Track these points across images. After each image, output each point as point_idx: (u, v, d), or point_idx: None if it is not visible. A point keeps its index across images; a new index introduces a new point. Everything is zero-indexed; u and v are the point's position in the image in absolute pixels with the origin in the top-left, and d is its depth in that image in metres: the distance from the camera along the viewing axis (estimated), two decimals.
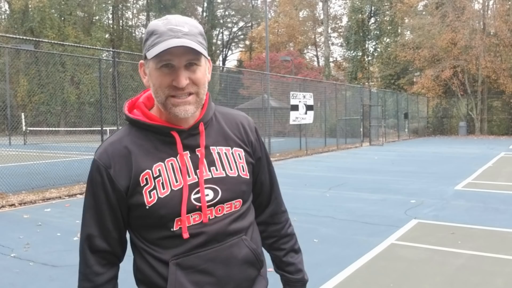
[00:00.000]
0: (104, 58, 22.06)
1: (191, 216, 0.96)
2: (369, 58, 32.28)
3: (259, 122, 13.88)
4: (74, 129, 23.29)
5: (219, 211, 0.99)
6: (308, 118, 14.49)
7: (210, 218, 0.98)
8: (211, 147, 1.01)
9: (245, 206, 1.05)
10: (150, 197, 0.96)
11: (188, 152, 0.99)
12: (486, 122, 25.88)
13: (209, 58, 1.01)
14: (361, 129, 19.07)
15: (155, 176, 0.96)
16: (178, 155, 0.98)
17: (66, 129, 24.08)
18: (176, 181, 0.96)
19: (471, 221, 5.03)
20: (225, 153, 1.03)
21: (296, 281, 1.18)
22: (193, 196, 0.96)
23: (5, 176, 7.29)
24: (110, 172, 0.97)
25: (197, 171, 0.98)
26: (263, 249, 1.16)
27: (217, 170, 1.00)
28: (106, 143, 1.02)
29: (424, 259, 3.74)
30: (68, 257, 3.90)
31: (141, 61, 1.02)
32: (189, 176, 0.97)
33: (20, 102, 25.44)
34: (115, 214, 1.00)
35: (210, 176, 0.99)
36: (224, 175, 1.00)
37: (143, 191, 0.96)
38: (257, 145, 1.10)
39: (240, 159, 1.05)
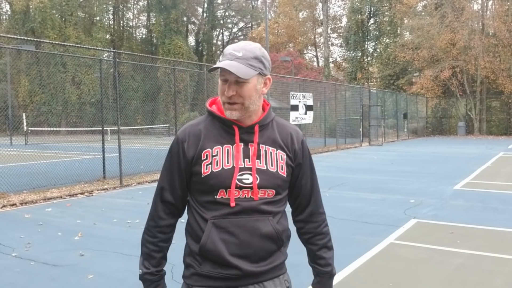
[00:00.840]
0: (105, 58, 22.08)
1: (233, 191, 1.24)
2: (369, 59, 32.30)
3: None
4: (75, 129, 23.31)
5: (255, 193, 1.26)
6: (308, 118, 14.51)
7: (245, 196, 1.25)
8: (261, 145, 1.28)
9: (278, 197, 1.30)
10: (206, 169, 1.25)
11: (242, 144, 1.27)
12: (485, 122, 25.92)
13: (269, 76, 1.29)
14: (361, 129, 19.09)
15: (213, 154, 1.26)
16: (235, 144, 1.27)
17: (67, 129, 24.11)
18: (227, 163, 1.25)
19: (470, 221, 5.05)
20: (271, 152, 1.29)
21: (324, 273, 1.40)
22: (237, 177, 1.24)
23: (6, 176, 7.32)
24: (184, 145, 1.29)
25: (245, 159, 1.26)
26: (292, 238, 1.41)
27: (260, 163, 1.27)
28: (188, 124, 1.34)
29: (423, 258, 3.77)
30: (69, 256, 3.92)
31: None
32: (239, 161, 1.25)
33: (21, 102, 25.44)
34: (182, 176, 1.30)
35: (256, 166, 1.26)
36: (265, 168, 1.27)
37: (202, 164, 1.26)
38: (299, 153, 1.35)
39: (282, 160, 1.30)
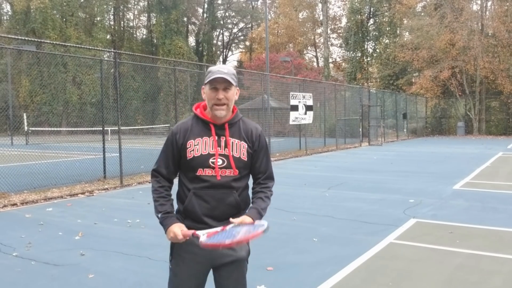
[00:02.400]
0: (106, 59, 22.10)
1: (209, 171, 1.78)
2: (368, 59, 32.31)
3: (259, 122, 13.92)
4: (75, 129, 23.32)
5: (224, 172, 1.80)
6: (308, 118, 14.53)
7: (217, 174, 1.78)
8: (230, 138, 1.82)
9: (239, 176, 1.82)
10: (189, 154, 1.80)
11: (217, 137, 1.81)
12: (484, 122, 25.93)
13: (238, 88, 1.85)
14: (360, 129, 19.10)
15: (195, 144, 1.80)
16: (211, 136, 1.81)
17: (67, 129, 24.13)
18: (205, 150, 1.79)
19: (469, 221, 5.07)
20: (237, 143, 1.83)
21: (254, 207, 1.85)
22: (211, 160, 1.78)
23: (7, 175, 7.33)
24: (176, 136, 1.84)
25: (218, 148, 1.80)
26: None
27: (229, 150, 1.80)
28: (180, 122, 1.88)
29: (422, 258, 3.78)
30: (70, 256, 3.94)
31: (203, 86, 1.85)
32: (213, 149, 1.79)
33: (22, 102, 25.46)
34: (174, 157, 1.85)
35: (223, 153, 1.80)
36: (232, 154, 1.80)
37: (187, 150, 1.81)
38: (256, 143, 1.87)
39: (243, 148, 1.84)
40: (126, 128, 20.83)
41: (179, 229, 1.72)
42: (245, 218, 1.75)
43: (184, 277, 1.82)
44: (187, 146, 1.79)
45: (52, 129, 22.54)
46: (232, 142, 1.80)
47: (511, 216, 5.31)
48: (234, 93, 1.80)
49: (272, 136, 15.48)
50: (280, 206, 5.98)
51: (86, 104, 26.23)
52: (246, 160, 1.81)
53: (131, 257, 3.88)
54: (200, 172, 1.77)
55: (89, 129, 20.55)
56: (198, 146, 1.78)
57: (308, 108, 14.45)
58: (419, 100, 27.22)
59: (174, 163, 1.86)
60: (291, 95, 13.82)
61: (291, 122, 14.09)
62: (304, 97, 14.30)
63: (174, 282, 1.86)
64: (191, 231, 1.72)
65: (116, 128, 8.44)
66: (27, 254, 4.01)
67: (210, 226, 1.75)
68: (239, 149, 1.81)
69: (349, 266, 3.58)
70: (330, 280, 3.29)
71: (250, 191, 1.94)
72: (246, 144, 1.82)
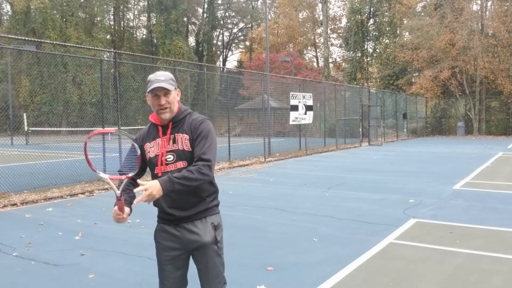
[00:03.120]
0: (106, 59, 22.09)
1: (163, 167, 1.98)
2: (368, 59, 32.30)
3: (259, 122, 13.91)
4: (75, 129, 23.30)
5: (176, 166, 1.98)
6: (308, 118, 14.53)
7: (170, 169, 1.97)
8: (176, 134, 2.01)
9: (189, 165, 1.96)
10: (147, 156, 2.03)
11: (165, 136, 2.02)
12: (484, 122, 25.93)
13: (178, 89, 2.05)
14: (360, 129, 19.10)
15: (150, 146, 2.03)
16: (159, 138, 2.03)
17: (67, 129, 24.13)
18: (158, 150, 2.01)
19: (469, 221, 5.07)
20: (181, 137, 2.00)
21: (168, 176, 1.90)
22: (163, 158, 1.99)
23: (7, 175, 7.33)
24: (137, 141, 2.04)
25: (167, 145, 2.00)
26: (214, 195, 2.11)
27: (176, 145, 1.99)
28: (141, 131, 2.10)
29: (422, 258, 3.78)
30: (70, 256, 3.94)
31: (146, 94, 2.03)
32: (163, 148, 2.00)
33: (22, 102, 25.45)
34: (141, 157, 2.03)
35: (172, 148, 2.00)
36: (177, 148, 1.99)
37: (146, 152, 2.04)
38: (196, 132, 1.99)
39: (186, 140, 2.00)
40: (126, 128, 20.81)
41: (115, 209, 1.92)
42: (153, 182, 1.82)
43: (163, 262, 2.04)
44: (145, 149, 2.03)
45: (52, 129, 22.53)
46: (177, 137, 1.99)
47: (511, 216, 5.31)
48: (174, 96, 2.00)
49: (272, 136, 15.49)
50: (280, 206, 5.98)
51: (86, 104, 26.22)
52: (190, 150, 1.97)
53: (131, 257, 3.88)
54: (157, 170, 1.98)
55: (89, 129, 20.52)
56: (153, 148, 2.02)
57: (308, 108, 14.45)
58: (419, 100, 27.22)
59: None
60: (291, 95, 13.82)
61: (291, 122, 14.09)
62: (304, 97, 14.30)
63: (158, 268, 2.08)
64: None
65: (116, 128, 8.44)
66: (27, 254, 4.01)
67: (177, 217, 1.99)
68: (182, 141, 1.99)
69: (349, 266, 3.58)
70: (330, 280, 3.29)
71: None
72: (188, 136, 1.99)
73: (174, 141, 1.98)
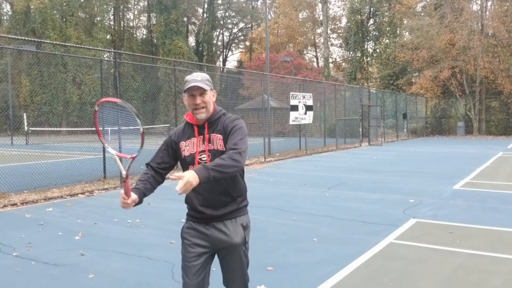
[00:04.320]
0: (106, 59, 22.08)
1: (196, 166, 1.97)
2: (368, 59, 32.30)
3: (259, 122, 13.91)
4: (75, 129, 23.32)
5: None
6: (308, 118, 14.53)
7: None
8: (211, 134, 2.05)
9: None
10: (182, 154, 2.08)
11: (201, 136, 2.06)
12: (484, 122, 25.93)
13: (214, 90, 2.09)
14: (360, 129, 19.10)
15: (186, 145, 2.08)
16: (194, 137, 2.07)
17: (67, 129, 24.15)
18: (193, 149, 2.06)
19: (469, 221, 5.07)
20: (216, 137, 2.04)
21: (203, 165, 1.90)
22: (199, 156, 2.04)
23: (7, 175, 7.33)
24: (172, 137, 2.13)
25: (202, 145, 2.05)
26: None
27: (211, 145, 2.04)
28: (176, 128, 2.17)
29: (422, 258, 3.78)
30: (70, 256, 3.94)
31: (183, 94, 2.08)
32: (199, 147, 2.06)
33: (22, 102, 25.46)
34: (169, 153, 2.13)
35: (207, 148, 2.04)
36: (212, 148, 2.03)
37: (180, 150, 2.09)
38: (228, 130, 2.02)
39: (220, 140, 2.04)
40: (126, 128, 20.77)
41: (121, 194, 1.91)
42: (188, 171, 1.80)
43: (188, 258, 2.04)
44: (180, 147, 2.08)
45: (52, 129, 22.53)
46: (212, 137, 2.03)
47: (511, 216, 5.31)
48: (210, 96, 2.04)
49: (272, 136, 15.48)
50: (280, 206, 5.98)
51: (86, 104, 26.22)
52: (224, 149, 2.00)
53: (131, 257, 3.88)
54: (191, 168, 1.96)
55: (89, 129, 20.56)
56: (188, 147, 2.06)
57: (308, 108, 14.45)
58: (419, 100, 27.22)
59: (163, 160, 2.13)
60: (291, 95, 13.81)
61: (291, 122, 14.09)
62: (304, 97, 14.30)
63: (182, 264, 2.09)
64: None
65: (116, 128, 8.43)
66: (27, 254, 4.01)
67: (208, 215, 2.03)
68: (217, 141, 2.03)
69: (349, 266, 3.58)
70: (330, 280, 3.29)
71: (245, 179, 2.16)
72: (221, 136, 2.03)
73: (210, 141, 2.02)
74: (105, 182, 8.06)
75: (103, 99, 1.94)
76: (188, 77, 2.03)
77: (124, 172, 1.87)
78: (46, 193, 7.05)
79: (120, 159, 1.97)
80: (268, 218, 5.33)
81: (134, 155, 1.92)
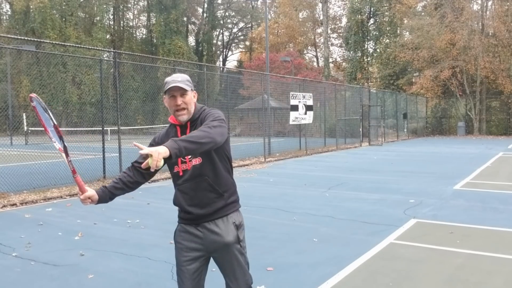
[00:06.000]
0: (105, 58, 22.08)
1: (182, 165, 2.00)
2: (369, 59, 32.30)
3: (259, 122, 13.90)
4: (75, 129, 23.32)
5: (192, 163, 1.99)
6: (308, 118, 14.52)
7: (188, 168, 1.99)
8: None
9: (204, 160, 1.99)
10: None
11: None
12: (484, 122, 25.93)
13: (194, 91, 2.06)
14: (361, 129, 19.10)
15: None
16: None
17: (67, 129, 24.13)
18: None
19: (470, 221, 5.06)
20: None
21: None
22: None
23: (7, 175, 7.32)
24: (156, 140, 2.09)
25: None
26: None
27: None
28: (160, 131, 2.14)
29: (423, 258, 3.77)
30: (69, 256, 3.93)
31: (163, 96, 2.05)
32: None
33: (21, 102, 25.45)
34: None
35: None
36: None
37: None
38: (204, 120, 1.96)
39: None
40: (125, 128, 20.82)
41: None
42: (158, 147, 1.71)
43: (182, 262, 2.01)
44: None
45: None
46: None
47: None
48: (191, 97, 2.02)
49: (272, 136, 15.47)
50: (280, 206, 5.97)
51: (86, 104, 26.23)
52: None
53: (131, 257, 3.87)
54: (176, 168, 2.01)
55: (89, 129, 20.54)
56: None
57: (308, 108, 14.44)
58: (420, 100, 27.21)
59: (147, 157, 2.08)
60: (291, 95, 13.81)
61: (291, 122, 14.08)
62: (304, 97, 14.30)
63: (177, 269, 2.06)
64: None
65: (115, 128, 8.43)
66: (26, 254, 4.00)
67: (196, 215, 2.00)
68: None
69: (349, 267, 3.57)
70: (330, 281, 3.28)
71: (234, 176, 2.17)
72: None
73: None
74: (104, 182, 8.05)
75: (30, 94, 1.92)
76: (168, 78, 2.01)
77: (69, 166, 1.86)
78: (45, 193, 7.04)
79: (67, 153, 1.94)
80: (268, 218, 5.32)
81: (58, 146, 1.91)
